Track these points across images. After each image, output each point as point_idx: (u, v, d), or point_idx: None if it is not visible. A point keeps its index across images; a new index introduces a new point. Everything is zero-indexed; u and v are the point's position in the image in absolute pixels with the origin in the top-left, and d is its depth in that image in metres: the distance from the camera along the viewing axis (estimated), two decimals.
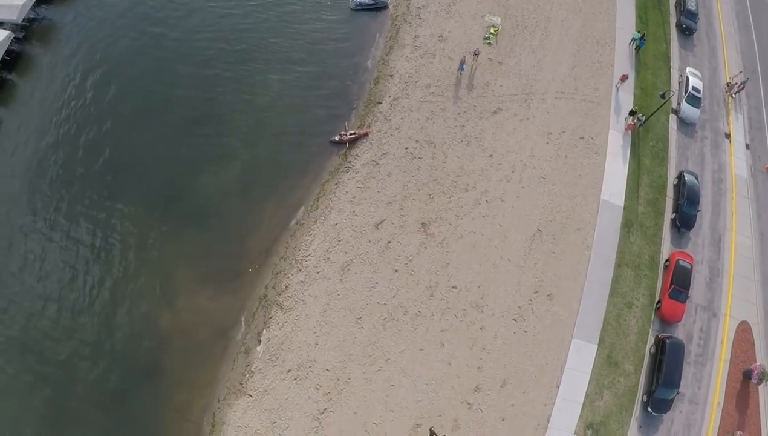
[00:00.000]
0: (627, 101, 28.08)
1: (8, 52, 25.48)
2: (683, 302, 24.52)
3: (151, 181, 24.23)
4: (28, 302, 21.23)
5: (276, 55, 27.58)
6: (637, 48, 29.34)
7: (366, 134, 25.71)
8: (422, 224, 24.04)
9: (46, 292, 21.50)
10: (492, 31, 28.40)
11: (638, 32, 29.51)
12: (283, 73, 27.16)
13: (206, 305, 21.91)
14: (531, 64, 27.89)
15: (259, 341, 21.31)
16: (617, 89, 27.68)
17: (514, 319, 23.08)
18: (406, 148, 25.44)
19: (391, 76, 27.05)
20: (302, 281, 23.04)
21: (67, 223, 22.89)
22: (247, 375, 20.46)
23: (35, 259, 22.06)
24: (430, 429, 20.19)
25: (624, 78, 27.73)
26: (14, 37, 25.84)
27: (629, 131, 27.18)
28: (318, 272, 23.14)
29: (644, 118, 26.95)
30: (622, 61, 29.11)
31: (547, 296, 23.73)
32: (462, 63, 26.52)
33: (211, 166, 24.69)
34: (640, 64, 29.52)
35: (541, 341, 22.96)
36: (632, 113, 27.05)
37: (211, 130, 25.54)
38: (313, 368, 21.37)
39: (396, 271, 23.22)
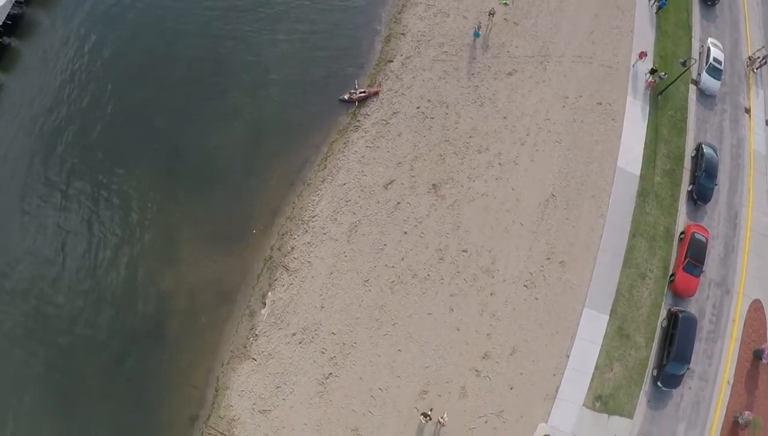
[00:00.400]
0: (646, 69, 27.11)
1: (10, 16, 24.68)
2: (697, 276, 23.82)
3: (155, 140, 23.39)
4: (29, 264, 20.66)
5: (283, 10, 26.39)
6: (659, 8, 28.21)
7: (376, 93, 24.67)
8: (433, 185, 23.16)
9: (47, 253, 20.91)
10: None
11: None
12: (290, 33, 25.98)
13: (210, 267, 21.38)
14: (548, 26, 26.83)
15: (264, 304, 20.81)
16: (635, 66, 26.56)
17: (525, 285, 22.36)
18: (418, 108, 24.45)
19: (402, 34, 25.95)
20: (308, 242, 22.25)
21: (68, 183, 22.20)
22: (252, 338, 20.00)
23: (38, 220, 21.28)
24: (423, 413, 19.32)
25: (642, 55, 26.60)
26: (15, 1, 24.97)
27: (649, 89, 26.25)
28: (325, 233, 22.32)
29: (665, 75, 25.98)
30: (643, 27, 28.02)
31: (560, 263, 23.00)
32: (477, 29, 25.43)
33: (215, 126, 23.75)
34: (660, 32, 28.44)
35: (552, 309, 22.29)
36: (653, 71, 26.12)
37: (216, 90, 24.50)
38: (319, 332, 20.81)
39: (405, 233, 22.39)
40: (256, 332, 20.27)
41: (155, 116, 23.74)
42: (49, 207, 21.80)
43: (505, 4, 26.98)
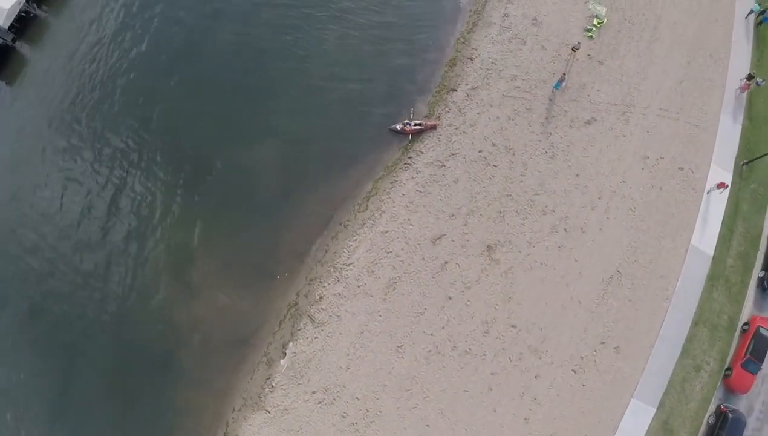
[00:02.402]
0: (734, 133, 23.96)
1: None
2: (755, 373, 21.65)
3: (184, 145, 21.41)
4: (39, 270, 20.20)
5: (336, 15, 22.65)
6: (759, 23, 24.57)
7: (434, 126, 21.45)
8: (487, 246, 20.36)
9: (62, 267, 20.26)
10: (595, 22, 23.59)
11: (758, 4, 24.62)
12: (344, 37, 22.44)
13: (227, 303, 19.98)
14: (635, 70, 23.36)
15: (284, 354, 19.39)
16: (715, 190, 22.63)
17: (573, 370, 20.09)
18: (480, 152, 21.30)
19: (471, 59, 22.40)
20: (340, 294, 19.81)
21: (85, 180, 20.96)
22: (267, 389, 18.72)
23: (54, 214, 20.46)
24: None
25: (722, 185, 22.55)
26: None
27: (743, 93, 23.43)
28: (359, 286, 19.84)
29: (763, 81, 22.99)
30: (735, 86, 24.50)
31: (614, 348, 20.72)
32: (561, 81, 21.78)
33: (252, 141, 21.33)
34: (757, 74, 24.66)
35: (599, 397, 20.18)
36: (750, 77, 23.07)
37: (254, 95, 21.78)
38: (342, 394, 19.12)
39: (450, 298, 19.82)
40: (273, 384, 18.83)
41: (186, 117, 21.58)
42: (64, 199, 20.93)
43: (591, 36, 23.35)
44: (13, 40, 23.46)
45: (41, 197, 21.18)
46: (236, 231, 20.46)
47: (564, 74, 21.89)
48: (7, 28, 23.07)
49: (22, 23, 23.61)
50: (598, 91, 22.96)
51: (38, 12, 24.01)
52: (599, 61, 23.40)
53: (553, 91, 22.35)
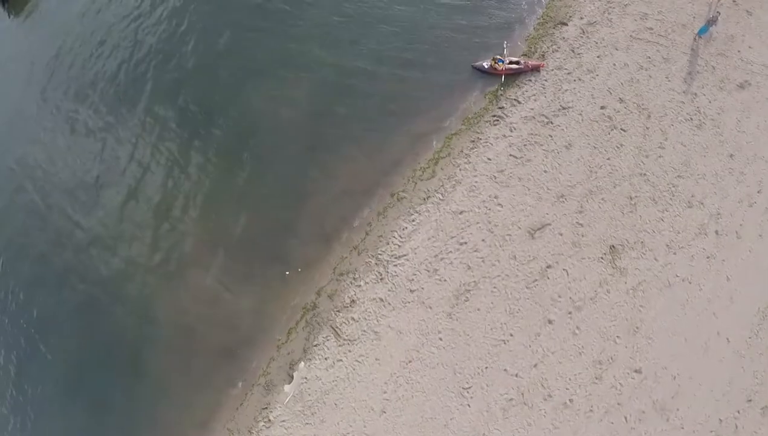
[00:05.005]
0: None
1: None
2: None
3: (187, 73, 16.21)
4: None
5: None
6: None
7: (537, 68, 14.94)
8: (611, 247, 13.80)
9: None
10: None
11: None
12: None
13: (224, 297, 14.58)
14: None
15: (290, 378, 13.90)
16: None
17: None
18: (603, 109, 14.81)
19: None
20: (382, 300, 13.52)
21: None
22: (262, 423, 13.73)
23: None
24: None
25: None
26: None
27: None
28: (412, 291, 13.45)
29: None
30: None
31: (762, 409, 14.31)
32: (709, 23, 15.67)
33: (279, 68, 15.65)
34: None
35: None
36: None
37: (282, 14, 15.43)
38: None
39: (550, 322, 13.24)
40: (270, 417, 13.64)
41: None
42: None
43: None
44: None
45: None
46: (244, 200, 14.59)
47: (718, 13, 15.64)
48: None
49: None
50: (750, 48, 16.70)
51: None
52: (747, 12, 17.24)
53: (696, 39, 16.06)
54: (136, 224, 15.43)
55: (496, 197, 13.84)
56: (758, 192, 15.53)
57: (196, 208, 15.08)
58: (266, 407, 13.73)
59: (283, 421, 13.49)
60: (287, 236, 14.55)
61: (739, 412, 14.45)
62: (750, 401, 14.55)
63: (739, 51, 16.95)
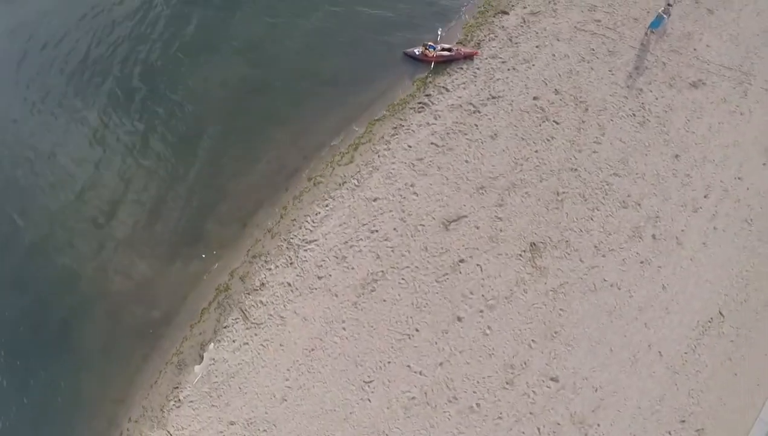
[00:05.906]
0: None
1: None
2: None
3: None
4: None
5: None
6: None
7: (470, 56, 14.37)
8: (531, 244, 13.00)
9: None
10: None
11: None
12: None
13: (146, 272, 14.12)
14: (755, 31, 16.35)
15: (200, 358, 13.53)
16: None
17: None
18: (535, 100, 14.12)
19: None
20: (289, 284, 13.15)
21: None
22: (173, 403, 13.40)
23: None
24: None
25: None
26: None
27: None
28: (320, 277, 12.99)
29: None
30: None
31: (696, 431, 13.17)
32: (662, 16, 14.87)
33: (216, 52, 15.15)
34: None
35: None
36: None
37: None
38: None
39: (459, 319, 12.52)
40: (180, 397, 13.26)
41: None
42: None
43: None
44: None
45: None
46: (169, 180, 14.20)
47: (669, 5, 14.81)
48: None
49: None
50: (708, 46, 15.84)
51: None
52: (708, 10, 16.38)
53: (648, 34, 15.25)
54: (64, 202, 15.34)
55: (412, 186, 13.23)
56: (705, 197, 14.54)
57: (121, 189, 14.90)
58: (177, 387, 13.36)
59: (192, 402, 13.13)
60: (207, 217, 14.20)
61: (670, 433, 13.37)
62: (683, 421, 13.45)
63: (695, 49, 16.08)
